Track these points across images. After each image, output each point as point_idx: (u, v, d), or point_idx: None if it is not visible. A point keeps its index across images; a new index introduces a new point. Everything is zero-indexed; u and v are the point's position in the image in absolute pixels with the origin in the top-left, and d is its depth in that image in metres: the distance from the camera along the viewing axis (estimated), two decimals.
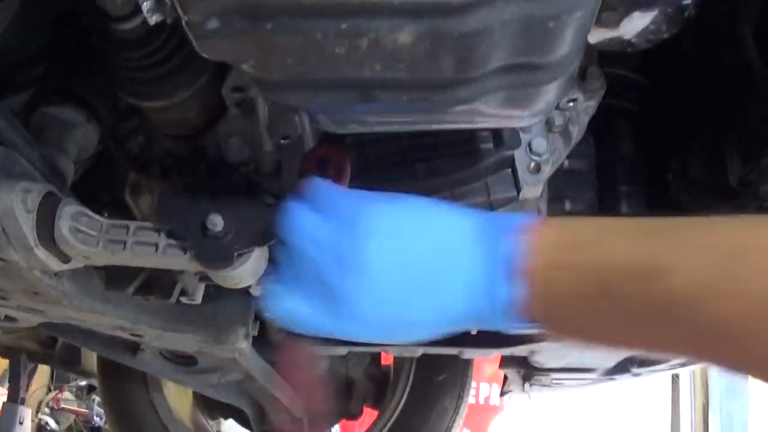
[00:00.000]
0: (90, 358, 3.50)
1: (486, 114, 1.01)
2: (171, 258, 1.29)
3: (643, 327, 0.83)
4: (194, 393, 3.09)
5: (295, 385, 1.21)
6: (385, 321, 0.96)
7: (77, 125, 1.40)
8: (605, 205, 1.80)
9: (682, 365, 2.32)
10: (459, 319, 0.94)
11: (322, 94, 0.92)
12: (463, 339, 2.12)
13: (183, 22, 0.78)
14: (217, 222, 1.26)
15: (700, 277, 0.76)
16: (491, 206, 1.46)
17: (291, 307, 1.02)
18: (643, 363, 2.31)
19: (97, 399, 6.00)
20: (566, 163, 1.59)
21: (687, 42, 1.53)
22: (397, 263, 0.94)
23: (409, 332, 0.98)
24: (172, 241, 1.29)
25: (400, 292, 0.94)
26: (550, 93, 0.98)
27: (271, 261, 1.08)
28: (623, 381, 2.63)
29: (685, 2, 1.08)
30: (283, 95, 0.93)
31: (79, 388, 6.41)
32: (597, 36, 1.12)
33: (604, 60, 1.44)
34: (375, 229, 0.96)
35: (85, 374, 3.94)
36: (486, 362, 5.50)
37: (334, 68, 0.86)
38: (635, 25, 1.10)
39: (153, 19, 0.80)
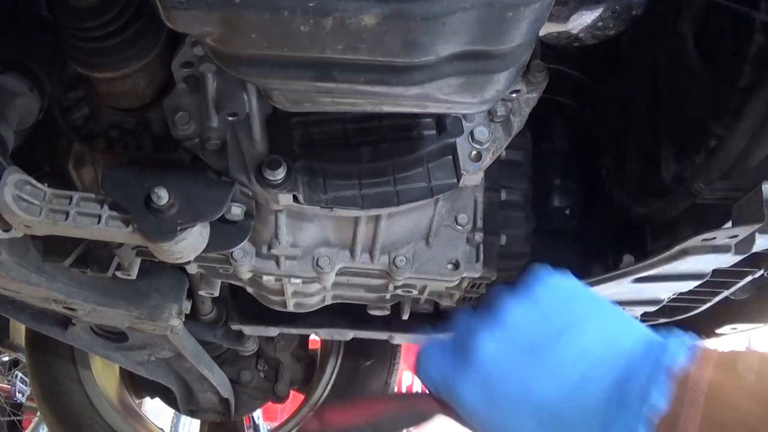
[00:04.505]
0: (18, 332, 3.45)
1: (438, 99, 1.04)
2: (113, 230, 1.30)
3: None
4: (121, 371, 3.07)
5: None
6: (503, 373, 0.94)
7: (19, 94, 1.38)
8: (539, 198, 1.84)
9: None
10: (582, 410, 0.88)
11: (280, 72, 0.94)
12: (393, 323, 2.14)
13: None
14: (162, 195, 1.27)
15: None
16: (431, 192, 1.48)
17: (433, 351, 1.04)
18: None
19: (20, 375, 5.89)
20: (504, 153, 1.62)
21: (624, 39, 1.58)
22: (546, 323, 0.95)
23: (518, 405, 0.92)
24: (114, 213, 1.29)
25: (536, 349, 0.93)
26: (500, 82, 1.01)
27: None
28: None
29: (634, 0, 1.12)
30: (242, 70, 0.94)
31: (1, 363, 6.28)
32: (546, 29, 1.16)
33: (543, 55, 1.48)
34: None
35: (13, 348, 3.87)
36: (409, 351, 5.55)
37: (296, 46, 0.87)
38: (583, 20, 1.14)
39: None
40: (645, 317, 1.76)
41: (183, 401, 2.80)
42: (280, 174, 1.36)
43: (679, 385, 0.80)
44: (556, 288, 1.00)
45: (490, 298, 1.02)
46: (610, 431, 0.83)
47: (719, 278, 1.49)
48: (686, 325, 1.86)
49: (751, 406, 0.76)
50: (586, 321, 0.94)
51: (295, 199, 1.42)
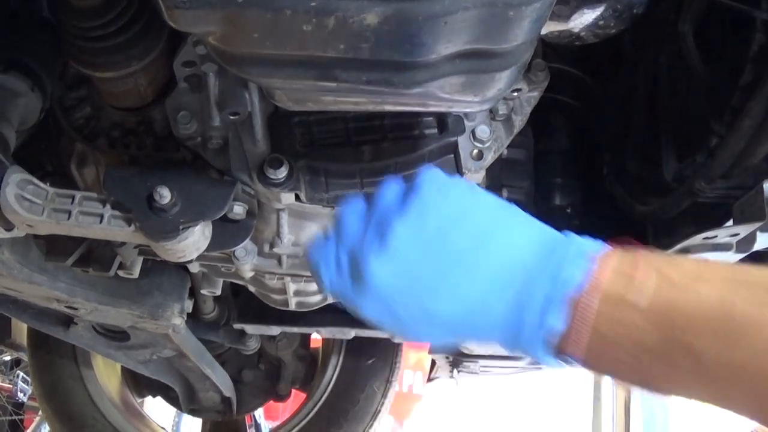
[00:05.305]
0: (20, 332, 3.45)
1: (439, 98, 1.04)
2: (115, 229, 1.30)
3: (712, 383, 0.76)
4: (123, 370, 3.07)
5: None
6: (401, 300, 0.90)
7: (20, 94, 1.38)
8: (540, 196, 1.84)
9: None
10: (486, 327, 0.87)
11: (283, 71, 0.94)
12: None
13: None
14: (164, 194, 1.27)
15: None
16: None
17: (326, 260, 0.96)
18: None
19: (22, 374, 5.89)
20: (505, 152, 1.62)
21: (625, 38, 1.58)
22: (437, 245, 0.89)
23: (422, 323, 0.91)
24: (117, 213, 1.30)
25: (430, 274, 0.88)
26: (502, 81, 1.01)
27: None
28: (549, 370, 2.66)
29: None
30: (244, 69, 0.94)
31: (3, 363, 6.27)
32: (547, 28, 1.16)
33: (544, 54, 1.48)
34: (431, 208, 0.91)
35: (15, 347, 3.87)
36: (411, 349, 5.56)
37: (298, 46, 0.87)
38: (585, 19, 1.14)
39: None
40: None
41: (185, 400, 2.81)
42: (282, 173, 1.36)
43: (573, 304, 0.81)
44: (449, 201, 0.93)
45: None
46: (514, 351, 0.87)
47: None
48: None
49: (640, 322, 0.77)
50: (487, 236, 0.89)
51: (297, 197, 1.42)
